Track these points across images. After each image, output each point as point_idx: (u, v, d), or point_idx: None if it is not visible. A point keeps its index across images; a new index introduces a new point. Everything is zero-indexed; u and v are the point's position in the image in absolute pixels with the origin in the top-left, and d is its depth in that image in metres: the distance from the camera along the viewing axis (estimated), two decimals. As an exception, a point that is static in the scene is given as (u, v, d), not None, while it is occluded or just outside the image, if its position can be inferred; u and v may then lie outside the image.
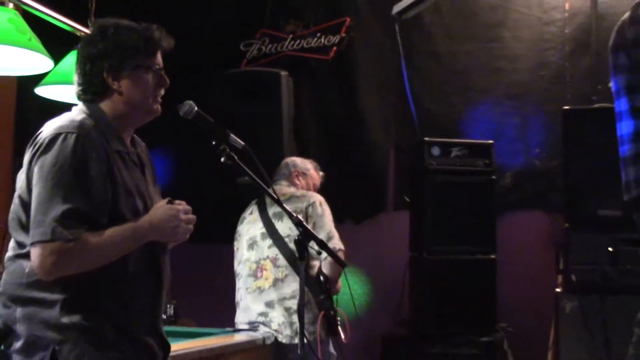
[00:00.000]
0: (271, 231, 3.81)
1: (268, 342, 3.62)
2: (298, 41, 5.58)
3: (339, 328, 3.69)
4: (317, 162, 4.49)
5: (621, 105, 3.05)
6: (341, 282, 3.86)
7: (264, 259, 3.80)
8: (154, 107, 2.28)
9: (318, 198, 3.92)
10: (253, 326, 3.76)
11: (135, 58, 2.22)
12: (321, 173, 4.26)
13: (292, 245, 3.64)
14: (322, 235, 3.68)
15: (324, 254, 3.41)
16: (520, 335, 4.66)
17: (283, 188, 3.97)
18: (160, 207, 2.21)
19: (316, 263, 3.70)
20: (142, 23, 2.29)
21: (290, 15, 5.67)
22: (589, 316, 4.21)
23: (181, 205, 2.23)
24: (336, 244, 3.80)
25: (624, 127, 3.03)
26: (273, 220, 3.84)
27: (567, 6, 5.28)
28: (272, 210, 3.88)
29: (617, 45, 3.08)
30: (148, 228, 2.16)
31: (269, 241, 3.80)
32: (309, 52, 5.55)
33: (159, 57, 2.30)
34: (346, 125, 5.51)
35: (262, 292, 3.77)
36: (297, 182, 4.10)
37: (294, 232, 3.22)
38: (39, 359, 2.01)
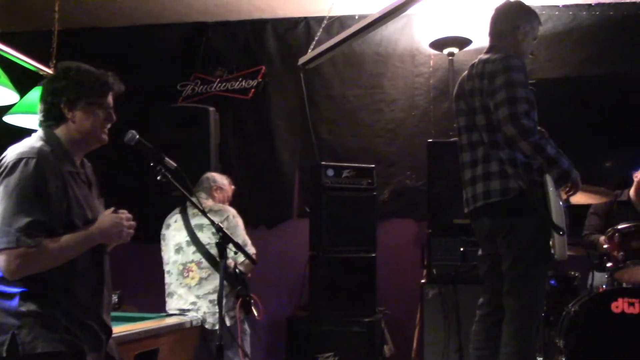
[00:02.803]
0: (194, 240, 3.75)
1: (195, 324, 3.56)
2: (224, 84, 5.51)
3: (253, 309, 3.66)
4: (238, 178, 4.45)
5: (462, 140, 3.16)
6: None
7: (190, 262, 3.74)
8: (101, 137, 2.24)
9: (232, 211, 3.87)
10: (183, 312, 3.69)
11: (90, 96, 2.19)
12: (232, 187, 4.19)
13: (212, 251, 3.62)
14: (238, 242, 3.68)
15: (241, 257, 3.42)
16: (394, 317, 4.69)
17: (203, 201, 3.87)
18: (108, 216, 2.18)
19: (231, 262, 3.68)
20: (100, 69, 2.26)
21: (218, 62, 5.59)
22: (446, 301, 4.27)
23: (124, 214, 2.21)
24: (250, 249, 3.79)
25: (464, 157, 3.15)
26: (195, 231, 3.77)
27: (431, 63, 5.39)
28: (194, 221, 3.81)
29: (458, 95, 3.20)
30: (97, 233, 2.13)
31: (193, 248, 3.74)
32: (233, 93, 5.49)
33: (110, 98, 2.26)
34: (261, 150, 5.46)
35: (190, 289, 3.72)
36: (215, 195, 4.02)
37: (213, 240, 3.19)
38: (1, 342, 1.94)
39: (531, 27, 3.15)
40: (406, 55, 5.43)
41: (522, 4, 3.20)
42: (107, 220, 2.17)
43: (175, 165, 2.42)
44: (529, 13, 3.18)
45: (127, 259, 4.57)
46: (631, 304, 3.47)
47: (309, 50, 4.87)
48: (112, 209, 2.22)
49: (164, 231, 3.98)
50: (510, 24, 3.12)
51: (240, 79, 5.52)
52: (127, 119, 2.55)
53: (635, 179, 4.50)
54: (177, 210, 3.97)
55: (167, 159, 2.41)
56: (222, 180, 4.12)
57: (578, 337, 3.50)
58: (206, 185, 4.03)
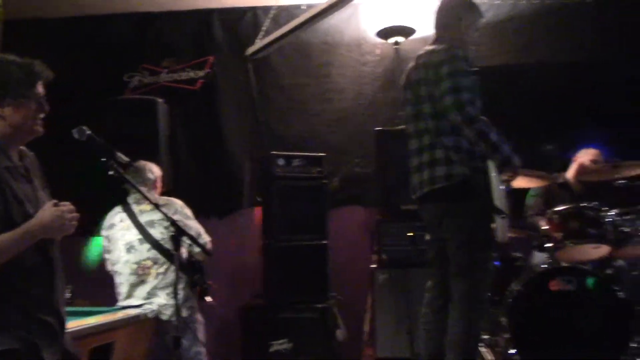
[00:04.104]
0: (147, 237, 3.68)
1: (150, 315, 3.56)
2: (172, 74, 5.47)
3: (209, 296, 3.70)
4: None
5: (409, 128, 3.26)
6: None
7: (145, 260, 3.68)
8: (34, 129, 2.21)
9: (179, 203, 3.84)
10: (137, 305, 3.68)
11: (18, 88, 2.15)
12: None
13: (167, 246, 3.60)
14: (192, 233, 3.68)
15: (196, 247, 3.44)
16: (346, 301, 4.73)
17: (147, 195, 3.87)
18: (48, 209, 2.14)
19: (184, 250, 3.68)
20: (25, 58, 2.20)
21: (165, 53, 5.53)
22: (396, 285, 4.38)
23: (66, 206, 2.17)
24: (205, 237, 3.81)
25: (411, 145, 3.25)
26: (146, 228, 3.70)
27: (378, 52, 5.47)
28: (144, 218, 3.73)
29: (405, 84, 3.29)
30: (38, 229, 2.10)
31: (147, 245, 3.67)
32: (181, 84, 5.46)
33: (39, 88, 2.21)
34: (211, 141, 5.45)
35: (146, 284, 3.68)
36: (157, 186, 3.95)
37: (166, 235, 3.18)
38: None
39: (473, 18, 3.28)
40: (353, 44, 5.50)
41: None
42: (47, 215, 2.13)
43: (127, 159, 2.43)
44: (471, 5, 3.30)
45: (77, 253, 4.55)
46: (569, 282, 3.65)
47: (257, 40, 4.89)
48: (52, 202, 2.19)
49: (107, 232, 3.85)
50: (454, 16, 3.24)
51: (188, 70, 5.49)
52: (74, 112, 2.54)
53: (575, 162, 4.70)
54: (118, 208, 3.84)
55: (119, 153, 2.41)
56: (159, 171, 4.01)
57: (520, 314, 3.66)
58: (146, 176, 3.87)
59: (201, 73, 5.47)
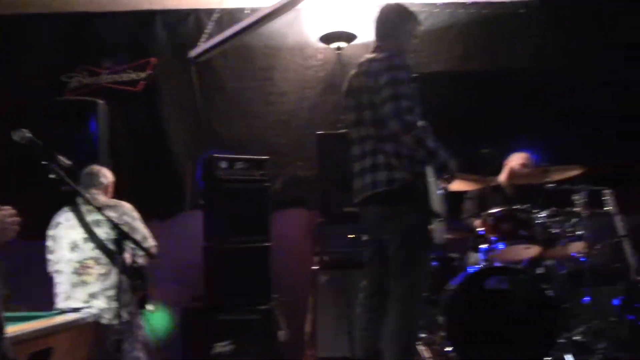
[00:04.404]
0: (92, 236, 3.68)
1: (90, 320, 3.53)
2: (112, 75, 5.41)
3: (149, 303, 3.67)
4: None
5: (352, 134, 3.34)
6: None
7: (87, 259, 3.67)
8: None
9: (128, 206, 3.86)
10: (76, 309, 3.63)
11: None
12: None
13: (111, 246, 3.59)
14: (138, 237, 3.68)
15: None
16: (288, 303, 4.77)
17: (96, 197, 3.85)
18: None
19: (129, 256, 3.66)
20: None
21: (106, 54, 5.47)
22: (337, 286, 4.45)
23: (5, 210, 2.13)
24: (150, 242, 3.81)
25: (354, 150, 3.34)
26: (92, 227, 3.70)
27: (320, 56, 5.55)
28: (91, 217, 3.72)
29: (347, 91, 3.38)
30: None
31: (91, 244, 3.67)
32: (122, 85, 5.40)
33: None
34: (153, 143, 5.41)
35: (87, 285, 3.65)
36: (109, 190, 3.99)
37: (112, 235, 3.17)
38: None
39: (411, 27, 3.39)
40: (296, 48, 5.57)
41: (403, 6, 3.44)
42: None
43: (69, 162, 2.42)
44: (410, 14, 3.41)
45: (15, 257, 4.43)
46: (501, 281, 3.81)
47: (200, 43, 4.89)
48: None
49: (52, 231, 3.85)
50: (393, 26, 3.35)
51: (129, 71, 5.44)
52: (12, 113, 2.50)
53: (506, 166, 4.90)
54: (66, 208, 3.85)
55: (60, 157, 2.40)
56: (111, 175, 4.06)
57: (456, 313, 3.80)
58: (98, 181, 3.94)
59: (143, 74, 5.42)
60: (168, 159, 5.43)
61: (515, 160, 4.86)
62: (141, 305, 3.61)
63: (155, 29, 5.54)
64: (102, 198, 3.88)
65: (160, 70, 5.46)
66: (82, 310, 3.59)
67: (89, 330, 3.54)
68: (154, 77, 5.45)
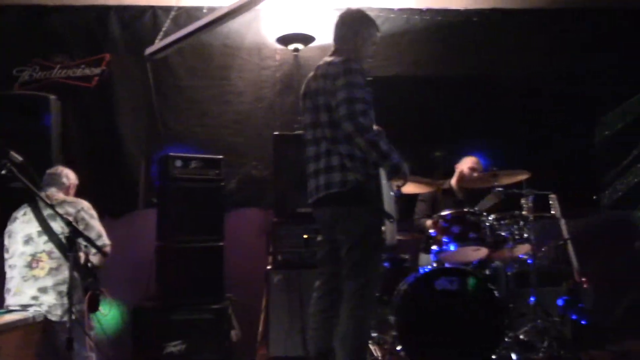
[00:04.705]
0: (46, 229, 3.65)
1: (38, 319, 3.48)
2: (65, 70, 5.30)
3: (100, 306, 3.63)
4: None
5: (307, 135, 3.39)
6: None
7: (40, 252, 3.64)
8: None
9: (86, 204, 3.85)
10: (24, 307, 3.58)
11: None
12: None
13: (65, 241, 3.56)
14: (93, 234, 3.67)
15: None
16: (242, 303, 4.76)
17: (54, 194, 3.84)
18: None
19: (82, 254, 3.63)
20: None
21: (59, 48, 5.35)
22: (290, 286, 4.49)
23: None
24: (105, 240, 3.80)
25: (309, 151, 3.38)
26: (48, 220, 3.69)
27: (277, 57, 5.58)
28: (47, 211, 3.71)
29: (304, 93, 3.42)
30: None
31: (44, 237, 3.65)
32: (75, 80, 5.30)
33: None
34: (106, 140, 5.33)
35: (37, 280, 3.62)
36: (70, 192, 4.01)
37: (67, 229, 3.15)
38: None
39: (369, 33, 3.46)
40: (253, 48, 5.57)
41: (363, 13, 3.51)
42: None
43: (21, 159, 2.40)
44: (369, 21, 3.48)
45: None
46: (451, 282, 3.91)
47: (157, 41, 4.86)
48: None
49: (9, 226, 3.85)
50: (351, 31, 3.41)
51: (82, 66, 5.35)
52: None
53: (457, 170, 5.03)
54: (26, 204, 3.84)
55: (12, 152, 2.37)
56: (75, 178, 4.09)
57: (407, 313, 3.89)
58: (60, 181, 3.98)
59: (97, 70, 5.35)
60: (121, 156, 5.37)
61: (465, 164, 4.99)
62: (92, 305, 3.59)
63: (111, 25, 5.46)
64: (60, 195, 3.89)
65: (114, 66, 5.39)
66: (30, 308, 3.54)
67: (37, 329, 3.50)
68: (109, 74, 5.36)
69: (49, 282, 3.63)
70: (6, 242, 3.84)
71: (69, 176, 4.05)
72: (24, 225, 3.78)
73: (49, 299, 3.59)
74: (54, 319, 3.55)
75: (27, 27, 5.39)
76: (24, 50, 5.34)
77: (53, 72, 5.33)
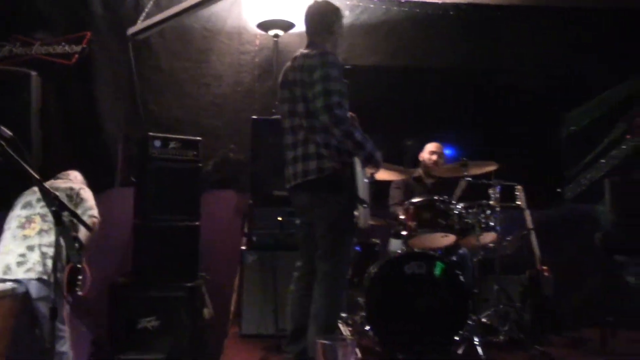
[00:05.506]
0: (45, 195, 3.70)
1: (18, 291, 3.54)
2: (45, 47, 5.31)
3: (78, 284, 3.68)
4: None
5: (285, 124, 3.50)
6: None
7: (35, 215, 3.76)
8: None
9: (80, 177, 4.22)
10: (3, 281, 3.63)
11: None
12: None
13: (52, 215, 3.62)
14: (87, 204, 3.88)
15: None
16: (216, 282, 4.86)
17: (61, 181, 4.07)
18: None
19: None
20: None
21: (39, 24, 5.35)
22: (264, 266, 4.61)
23: None
24: (94, 212, 3.96)
25: (287, 140, 3.50)
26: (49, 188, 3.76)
27: (257, 42, 5.65)
28: (48, 184, 3.76)
29: (282, 83, 3.53)
30: None
31: (42, 203, 3.73)
32: (55, 57, 5.31)
33: None
34: (85, 118, 5.34)
35: (27, 239, 3.70)
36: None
37: (65, 200, 3.22)
38: None
39: (340, 24, 3.57)
40: (233, 33, 5.64)
41: (331, 4, 3.60)
42: None
43: (10, 133, 2.45)
44: (338, 12, 3.60)
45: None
46: (420, 266, 4.06)
47: (139, 22, 4.89)
48: None
49: (17, 200, 3.98)
50: (324, 23, 3.53)
51: (63, 44, 5.36)
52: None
53: (421, 159, 5.17)
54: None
55: (2, 127, 2.42)
56: (82, 178, 4.35)
57: (376, 295, 4.01)
58: (68, 178, 4.22)
59: (77, 48, 5.35)
60: (99, 134, 5.39)
61: (426, 150, 5.14)
62: (71, 277, 3.64)
63: (93, 3, 5.47)
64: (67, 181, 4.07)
65: (95, 45, 5.40)
66: (9, 283, 3.60)
67: (15, 302, 3.55)
68: (89, 52, 5.38)
69: (36, 240, 3.71)
70: (10, 213, 3.94)
71: (77, 177, 4.28)
72: (27, 194, 3.94)
73: (34, 256, 3.66)
74: (33, 276, 3.60)
75: (8, 3, 5.37)
76: (5, 26, 5.33)
77: (33, 48, 5.33)
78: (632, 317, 4.91)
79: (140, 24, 4.90)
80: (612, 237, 4.65)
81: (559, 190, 5.93)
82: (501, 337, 4.30)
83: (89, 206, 3.94)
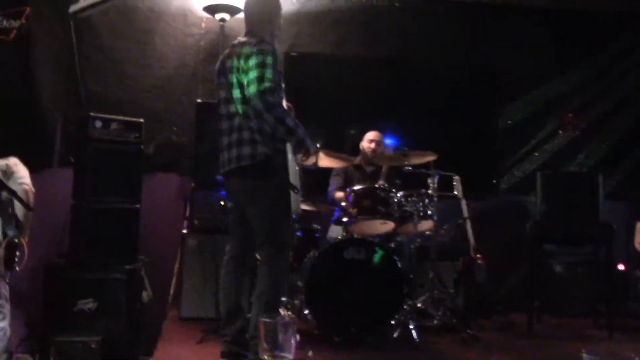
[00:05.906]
0: None
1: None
2: (-19, 21, 5.16)
3: (16, 260, 3.63)
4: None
5: (221, 110, 3.54)
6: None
7: None
8: None
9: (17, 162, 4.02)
10: None
11: None
12: None
13: None
14: (19, 175, 3.73)
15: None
16: (156, 265, 4.77)
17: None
18: None
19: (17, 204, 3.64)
20: None
21: (-26, -2, 5.20)
22: (205, 250, 4.66)
23: None
24: (26, 181, 3.95)
25: (222, 125, 3.53)
26: None
27: (203, 25, 5.62)
28: None
29: (219, 70, 3.56)
30: None
31: None
32: (-8, 32, 5.16)
33: None
34: (22, 95, 5.16)
35: None
36: None
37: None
38: None
39: (279, 15, 3.62)
40: (179, 14, 5.60)
41: None
42: None
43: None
44: (278, 2, 3.65)
45: None
46: (359, 252, 4.16)
47: (81, -1, 4.80)
48: None
49: None
50: (263, 12, 3.58)
51: (1, 18, 5.17)
52: None
53: (361, 148, 5.28)
54: None
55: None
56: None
57: (315, 279, 4.10)
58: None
59: (15, 23, 5.16)
60: (37, 112, 5.25)
61: (366, 138, 5.25)
62: (9, 253, 3.58)
63: (32, -22, 5.32)
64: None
65: (35, 21, 5.22)
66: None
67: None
68: (28, 27, 5.19)
69: None
70: None
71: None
72: None
73: None
74: None
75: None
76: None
77: (-32, 21, 5.15)
78: (557, 303, 5.17)
79: (82, 2, 4.81)
80: (542, 227, 4.87)
81: (494, 181, 6.15)
82: (435, 322, 4.46)
83: (21, 175, 3.86)
